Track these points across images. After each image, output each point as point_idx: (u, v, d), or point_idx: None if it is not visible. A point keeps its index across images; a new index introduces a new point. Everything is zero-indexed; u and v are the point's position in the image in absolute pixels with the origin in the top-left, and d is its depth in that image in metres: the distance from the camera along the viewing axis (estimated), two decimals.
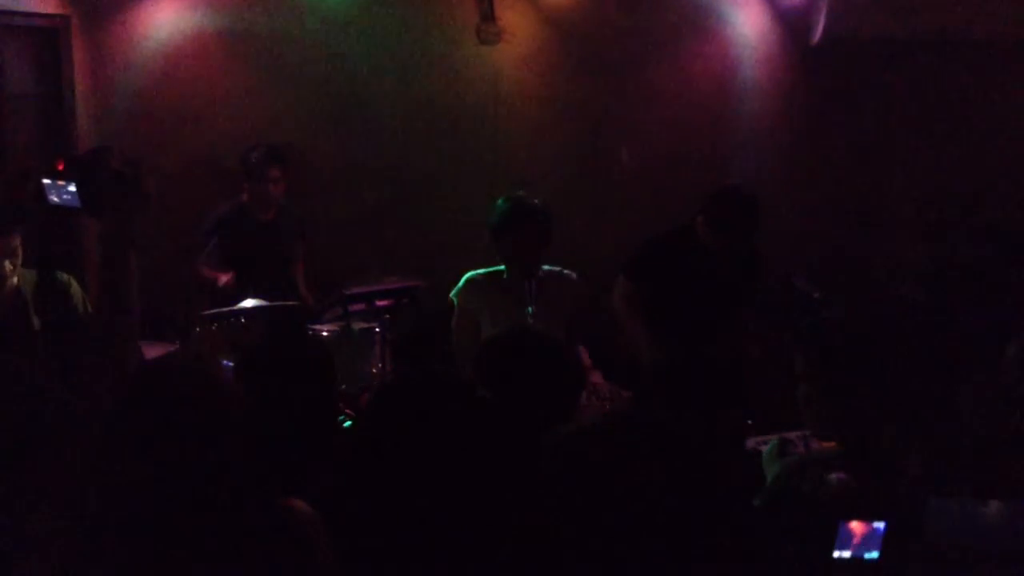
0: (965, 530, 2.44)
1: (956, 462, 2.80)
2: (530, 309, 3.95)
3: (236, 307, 4.49)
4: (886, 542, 2.41)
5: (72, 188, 3.53)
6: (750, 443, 3.61)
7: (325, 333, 4.57)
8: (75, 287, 4.17)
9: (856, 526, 2.45)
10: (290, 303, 4.77)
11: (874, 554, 2.44)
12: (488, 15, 5.84)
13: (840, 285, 5.11)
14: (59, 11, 5.43)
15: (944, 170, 5.96)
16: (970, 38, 5.76)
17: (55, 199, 3.64)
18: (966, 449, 2.92)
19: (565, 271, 4.26)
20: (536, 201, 4.10)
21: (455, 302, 4.20)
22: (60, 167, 3.62)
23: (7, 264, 4.03)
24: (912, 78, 5.99)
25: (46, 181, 3.55)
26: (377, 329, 4.51)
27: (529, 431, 2.30)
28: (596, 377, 4.10)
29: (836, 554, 2.44)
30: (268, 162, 5.09)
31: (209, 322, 4.42)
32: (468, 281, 4.19)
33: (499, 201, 4.13)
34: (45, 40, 5.45)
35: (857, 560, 2.44)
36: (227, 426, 1.94)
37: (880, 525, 2.43)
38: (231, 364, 3.43)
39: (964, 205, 5.80)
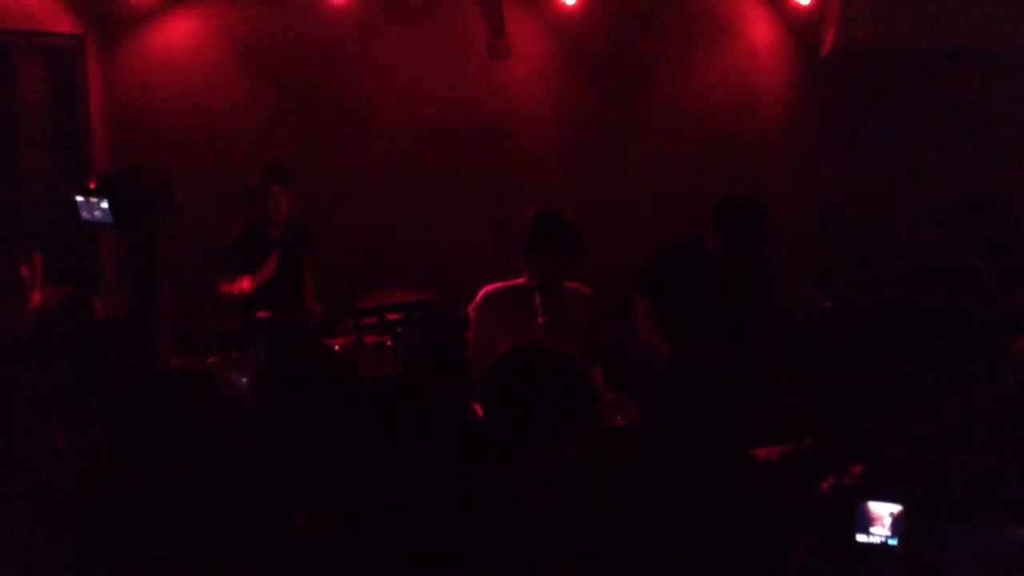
0: (986, 557, 2.41)
1: (972, 487, 2.79)
2: (543, 320, 3.95)
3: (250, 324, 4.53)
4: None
5: (104, 205, 3.60)
6: (763, 453, 3.60)
7: (337, 347, 4.60)
8: (98, 304, 4.24)
9: (875, 508, 2.45)
10: (302, 318, 4.80)
11: (895, 540, 2.44)
12: (498, 32, 5.87)
13: (850, 296, 5.10)
14: (75, 31, 5.51)
15: (957, 180, 5.95)
16: (980, 48, 5.75)
17: (87, 216, 3.72)
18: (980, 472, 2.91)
19: (581, 287, 4.27)
20: (569, 216, 4.14)
21: (471, 316, 4.21)
22: (92, 185, 3.69)
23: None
24: (922, 89, 5.98)
25: (79, 198, 3.62)
26: (389, 343, 4.54)
27: (537, 445, 2.32)
28: (610, 396, 4.10)
29: (860, 538, 2.44)
30: (267, 180, 5.12)
31: (226, 350, 4.45)
32: (485, 295, 4.20)
33: (535, 213, 4.15)
34: (61, 59, 5.52)
35: (883, 546, 2.44)
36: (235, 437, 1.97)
37: (898, 508, 2.43)
38: (245, 380, 3.46)
39: (980, 215, 5.78)
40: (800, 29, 6.06)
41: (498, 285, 4.21)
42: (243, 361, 4.24)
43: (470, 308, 4.20)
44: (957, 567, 2.39)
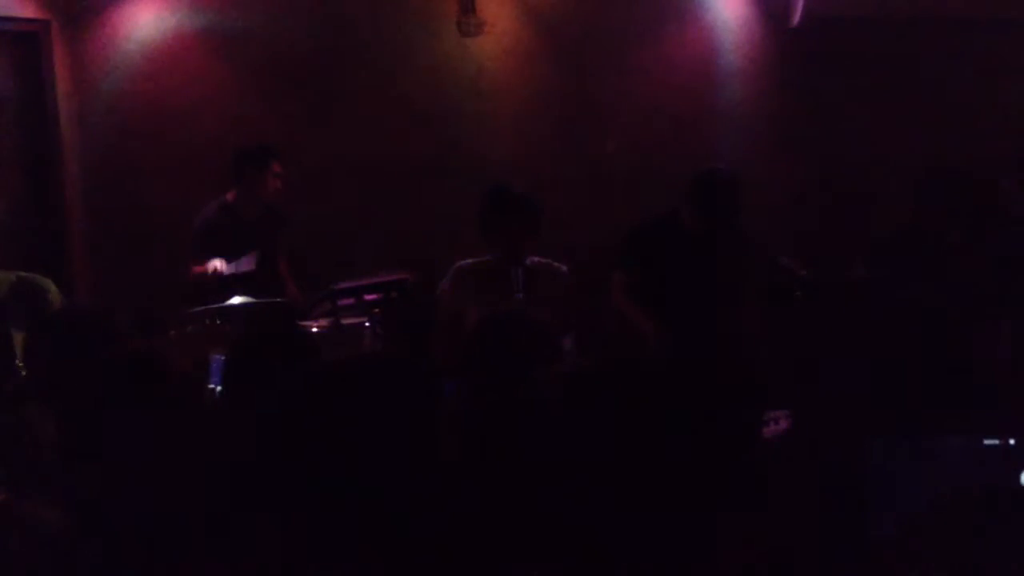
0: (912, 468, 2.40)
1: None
2: (520, 295, 3.96)
3: (225, 304, 4.50)
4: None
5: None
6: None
7: (315, 329, 4.58)
8: (53, 290, 4.20)
9: None
10: (278, 299, 4.78)
11: None
12: (468, 7, 5.84)
13: (826, 267, 5.13)
14: (39, 16, 5.44)
15: (928, 146, 5.97)
16: (946, 16, 5.78)
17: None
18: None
19: (555, 264, 4.27)
20: (521, 191, 4.14)
21: (443, 292, 4.21)
22: None
23: None
24: (891, 57, 6.00)
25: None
26: (367, 324, 4.52)
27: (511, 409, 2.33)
28: None
29: None
30: (270, 157, 5.11)
31: (198, 319, 4.43)
32: (457, 271, 4.21)
33: (487, 190, 4.16)
34: (26, 45, 5.46)
35: None
36: None
37: None
38: (221, 359, 3.44)
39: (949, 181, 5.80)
40: (769, 0, 6.07)
41: (470, 261, 4.22)
42: (214, 335, 4.22)
43: (442, 284, 4.20)
44: (884, 479, 2.40)
